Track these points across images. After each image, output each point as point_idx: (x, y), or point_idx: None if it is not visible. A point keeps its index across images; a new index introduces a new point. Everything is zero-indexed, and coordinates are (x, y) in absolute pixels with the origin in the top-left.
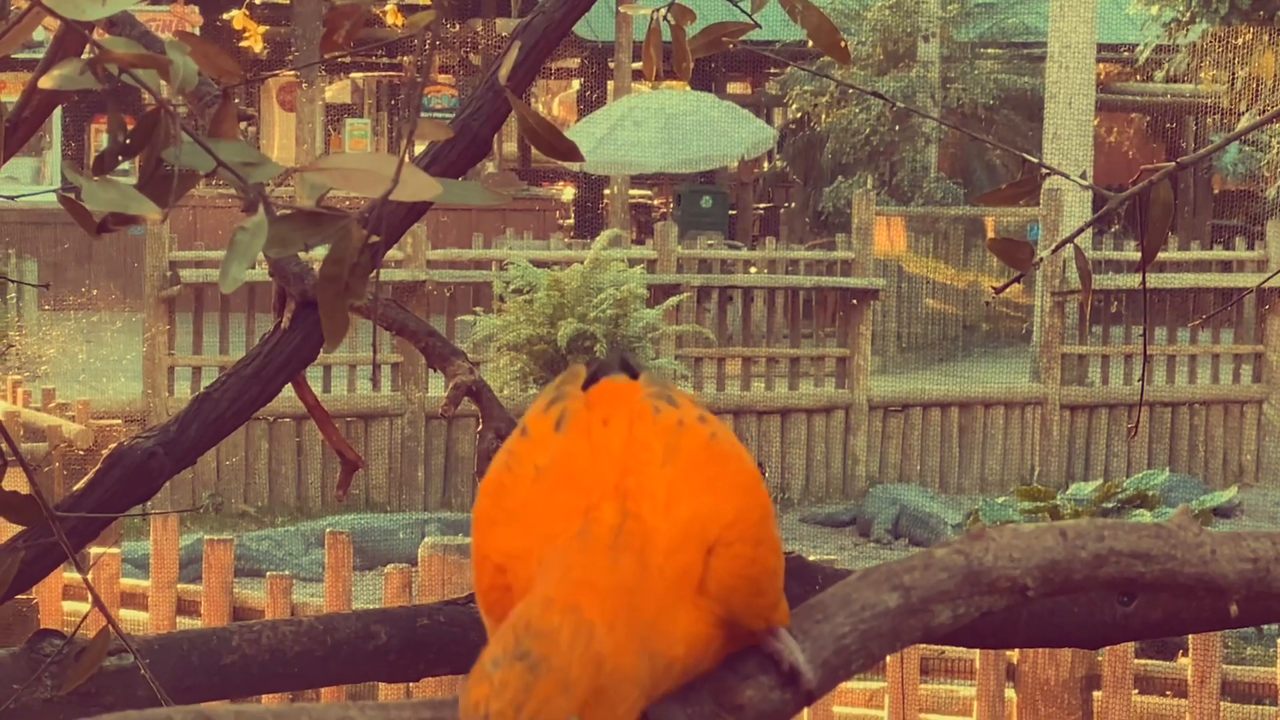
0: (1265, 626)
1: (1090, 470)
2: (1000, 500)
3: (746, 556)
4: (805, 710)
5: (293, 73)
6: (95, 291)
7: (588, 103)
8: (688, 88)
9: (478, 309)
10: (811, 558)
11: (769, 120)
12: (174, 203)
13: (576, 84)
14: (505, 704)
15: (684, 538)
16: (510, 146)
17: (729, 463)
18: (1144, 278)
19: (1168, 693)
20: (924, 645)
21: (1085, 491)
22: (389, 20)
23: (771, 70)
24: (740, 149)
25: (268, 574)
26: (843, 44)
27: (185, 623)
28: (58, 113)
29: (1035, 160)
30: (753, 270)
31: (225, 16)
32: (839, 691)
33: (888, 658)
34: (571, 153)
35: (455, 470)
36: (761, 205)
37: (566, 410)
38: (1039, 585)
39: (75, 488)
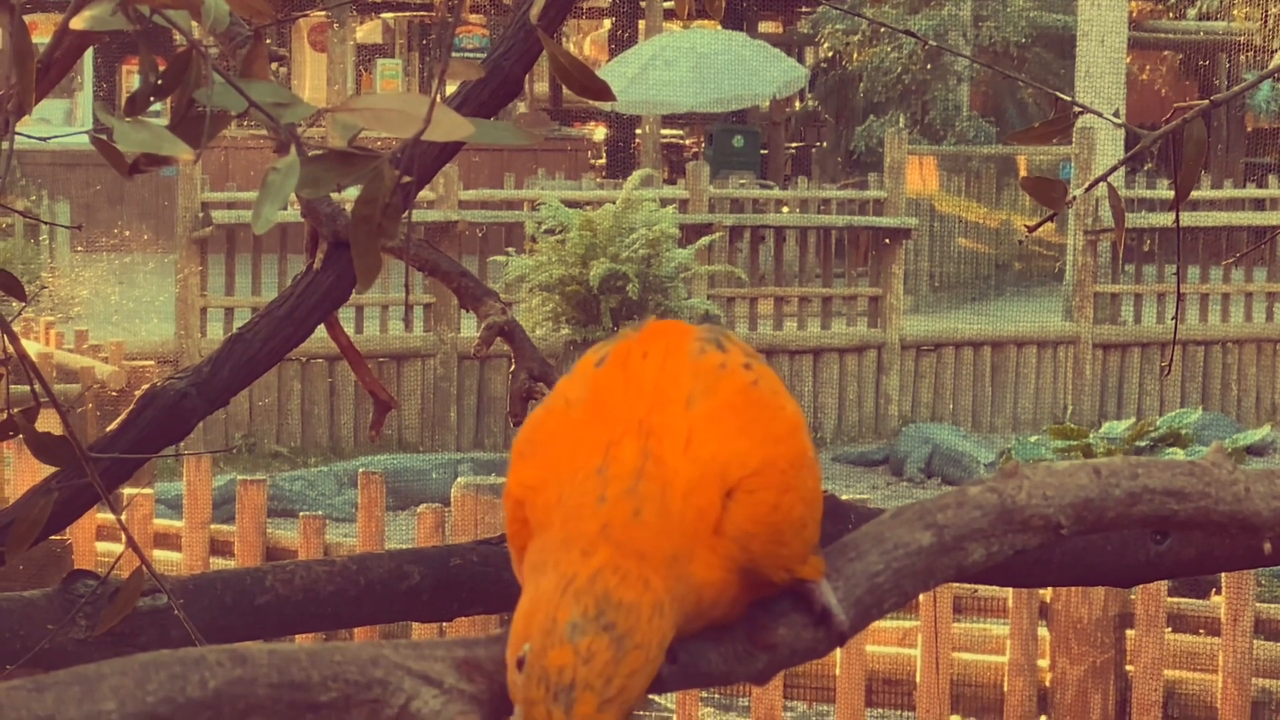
0: None
1: (1123, 409)
2: (1033, 439)
3: (769, 504)
4: (838, 649)
5: (324, 13)
6: (128, 233)
7: (619, 42)
8: (719, 27)
9: (510, 249)
10: (844, 497)
11: (800, 59)
12: (206, 144)
13: (608, 23)
14: (594, 675)
15: (701, 479)
16: (542, 86)
17: (765, 410)
18: (1177, 216)
19: (1201, 631)
20: (957, 584)
21: (1118, 430)
22: None
23: (803, 9)
24: (772, 88)
25: (301, 514)
26: None
27: (219, 563)
28: (89, 54)
29: (1068, 98)
30: (785, 210)
31: None
32: (871, 630)
33: (920, 596)
34: (603, 92)
35: (488, 410)
36: (793, 145)
37: (612, 347)
38: (1072, 523)
39: (108, 429)
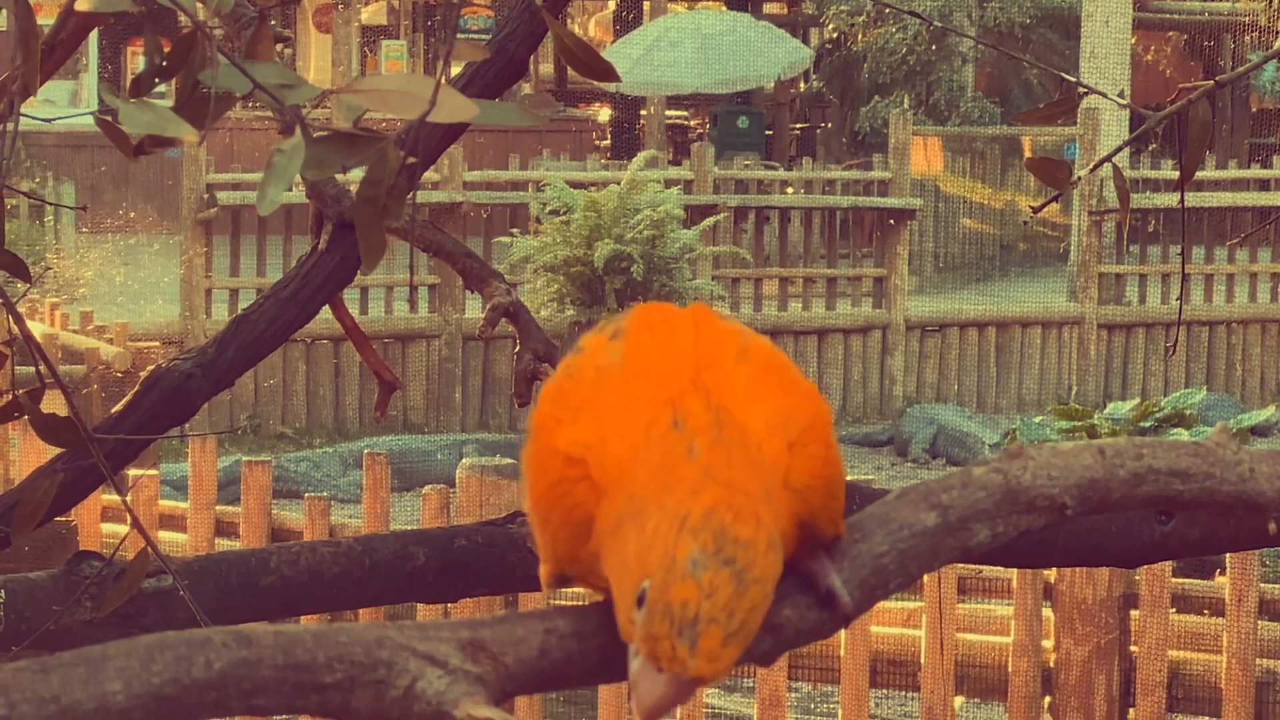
0: None
1: (1127, 389)
2: (1038, 420)
3: (821, 458)
4: (843, 630)
5: None
6: (132, 214)
7: (624, 23)
8: (724, 7)
9: (514, 230)
10: (849, 477)
11: (805, 40)
12: (211, 125)
13: (613, 4)
14: (718, 609)
15: (768, 432)
16: (546, 68)
17: (794, 371)
18: (1182, 196)
19: (1205, 611)
20: (961, 565)
21: (1123, 411)
22: None
23: None
24: (777, 69)
25: (306, 495)
26: None
27: (224, 544)
28: (94, 35)
29: (1073, 79)
30: (789, 190)
31: None
32: (876, 611)
33: (925, 577)
34: (608, 73)
35: (492, 391)
36: (798, 125)
37: (622, 324)
38: (1077, 504)
39: (113, 410)
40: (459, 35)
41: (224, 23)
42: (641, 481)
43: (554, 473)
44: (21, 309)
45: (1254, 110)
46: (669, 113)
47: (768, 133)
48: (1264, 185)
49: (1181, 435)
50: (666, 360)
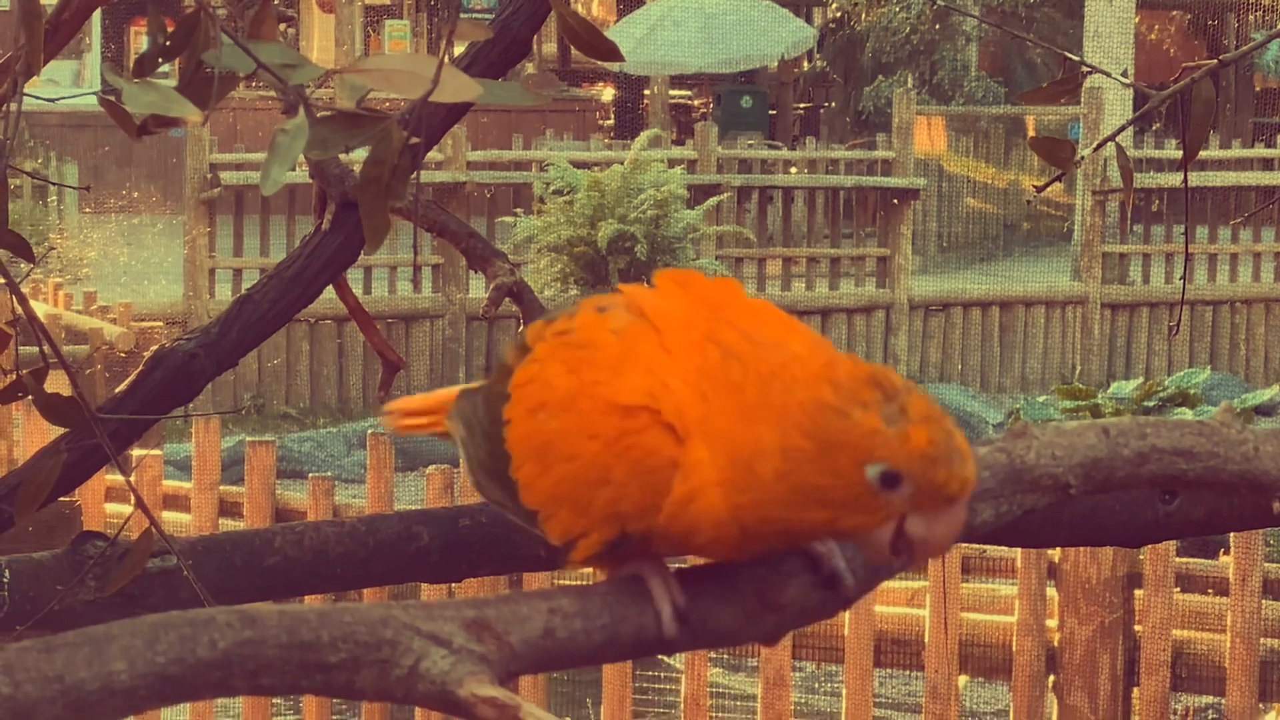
0: None
1: (1131, 369)
2: (1041, 399)
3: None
4: (847, 610)
5: None
6: (136, 194)
7: (627, 2)
8: None
9: (518, 210)
10: None
11: (809, 19)
12: (214, 105)
13: None
14: (947, 423)
15: (809, 351)
16: (550, 47)
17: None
18: (1185, 175)
19: (1209, 591)
20: (966, 544)
21: (1126, 390)
22: None
23: None
24: (780, 48)
25: (310, 475)
26: None
27: (228, 524)
28: (97, 15)
29: (1076, 58)
30: (793, 170)
31: None
32: (880, 591)
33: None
34: (611, 53)
35: None
36: (801, 105)
37: (604, 301)
38: (1081, 483)
39: (117, 390)
40: (462, 14)
41: (227, 2)
42: (748, 408)
43: (610, 430)
44: (25, 289)
45: (1258, 89)
46: (672, 92)
47: (771, 112)
48: (1267, 164)
49: (1185, 415)
50: (681, 309)
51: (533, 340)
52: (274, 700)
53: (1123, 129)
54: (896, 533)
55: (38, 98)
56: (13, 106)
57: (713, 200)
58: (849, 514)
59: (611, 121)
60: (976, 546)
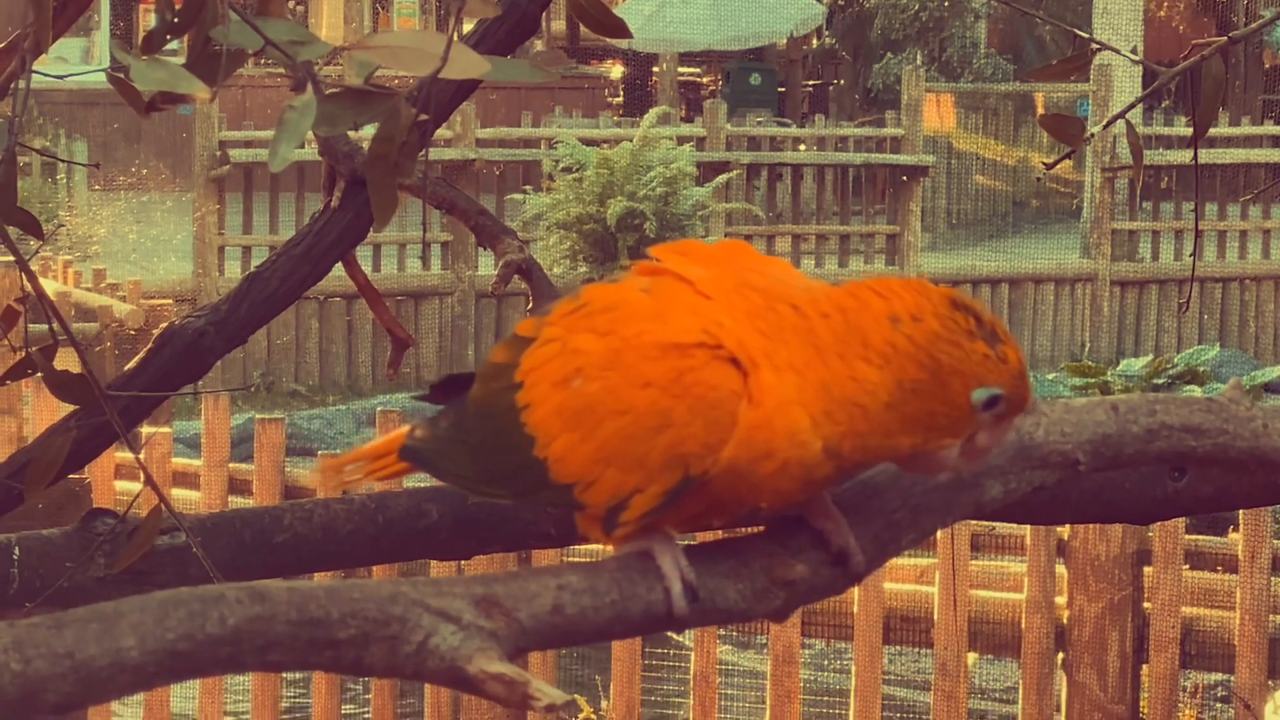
0: None
1: (1140, 346)
2: (1050, 376)
3: None
4: (856, 586)
5: None
6: (145, 171)
7: None
8: None
9: (527, 187)
10: None
11: None
12: (222, 82)
13: None
14: (1020, 353)
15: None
16: (559, 24)
17: None
18: (1195, 153)
19: (1218, 568)
20: (974, 521)
21: (1136, 367)
22: None
23: None
24: (789, 25)
25: (319, 453)
26: None
27: (237, 501)
28: None
29: (1085, 35)
30: (802, 148)
31: None
32: (889, 568)
33: (938, 534)
34: (620, 30)
35: None
36: (811, 82)
37: (615, 275)
38: (1090, 460)
39: (127, 367)
40: None
41: None
42: (817, 348)
43: (665, 373)
44: (34, 266)
45: (1267, 66)
46: (681, 69)
47: (780, 89)
48: (1277, 141)
49: (1195, 392)
50: (704, 267)
51: (530, 333)
52: (283, 677)
53: (1132, 106)
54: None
55: (46, 75)
56: (21, 84)
57: (722, 177)
58: (944, 435)
59: (620, 99)
60: (985, 524)
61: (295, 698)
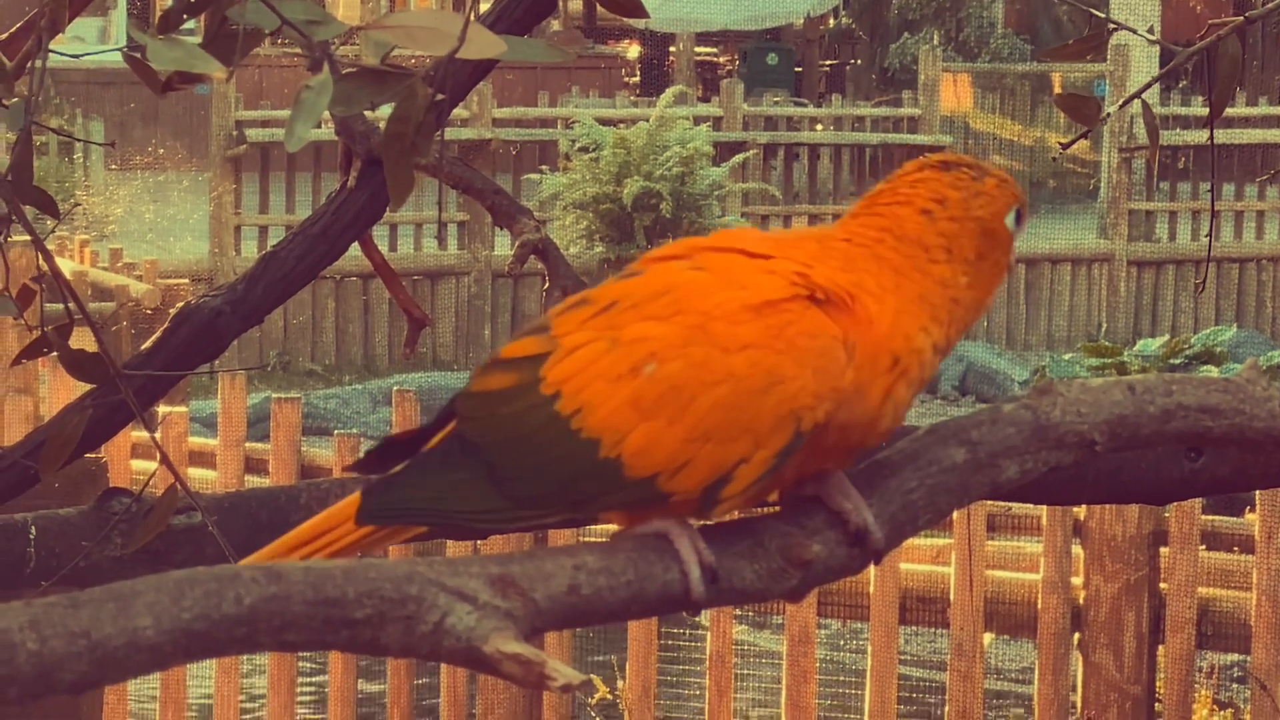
0: None
1: (1157, 326)
2: (1067, 357)
3: None
4: (872, 566)
5: None
6: (161, 151)
7: None
8: None
9: (543, 167)
10: None
11: None
12: (239, 61)
13: None
14: (997, 168)
15: None
16: (575, 4)
17: None
18: (1211, 133)
19: (1235, 548)
20: (991, 502)
21: (1152, 347)
22: None
23: None
24: (806, 5)
25: (335, 432)
26: None
27: (253, 481)
28: None
29: (1102, 15)
30: (819, 127)
31: None
32: (906, 548)
33: (955, 514)
34: (636, 9)
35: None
36: (827, 62)
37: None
38: (1107, 440)
39: (143, 347)
40: None
41: None
42: (891, 267)
43: (763, 331)
44: (51, 246)
45: None
46: (698, 49)
47: (797, 69)
48: None
49: (1211, 372)
50: (723, 244)
51: (528, 351)
52: (300, 656)
53: (1148, 86)
54: None
55: (63, 54)
56: (38, 63)
57: (738, 157)
58: (1005, 267)
59: (637, 78)
60: (1002, 504)
61: (311, 673)
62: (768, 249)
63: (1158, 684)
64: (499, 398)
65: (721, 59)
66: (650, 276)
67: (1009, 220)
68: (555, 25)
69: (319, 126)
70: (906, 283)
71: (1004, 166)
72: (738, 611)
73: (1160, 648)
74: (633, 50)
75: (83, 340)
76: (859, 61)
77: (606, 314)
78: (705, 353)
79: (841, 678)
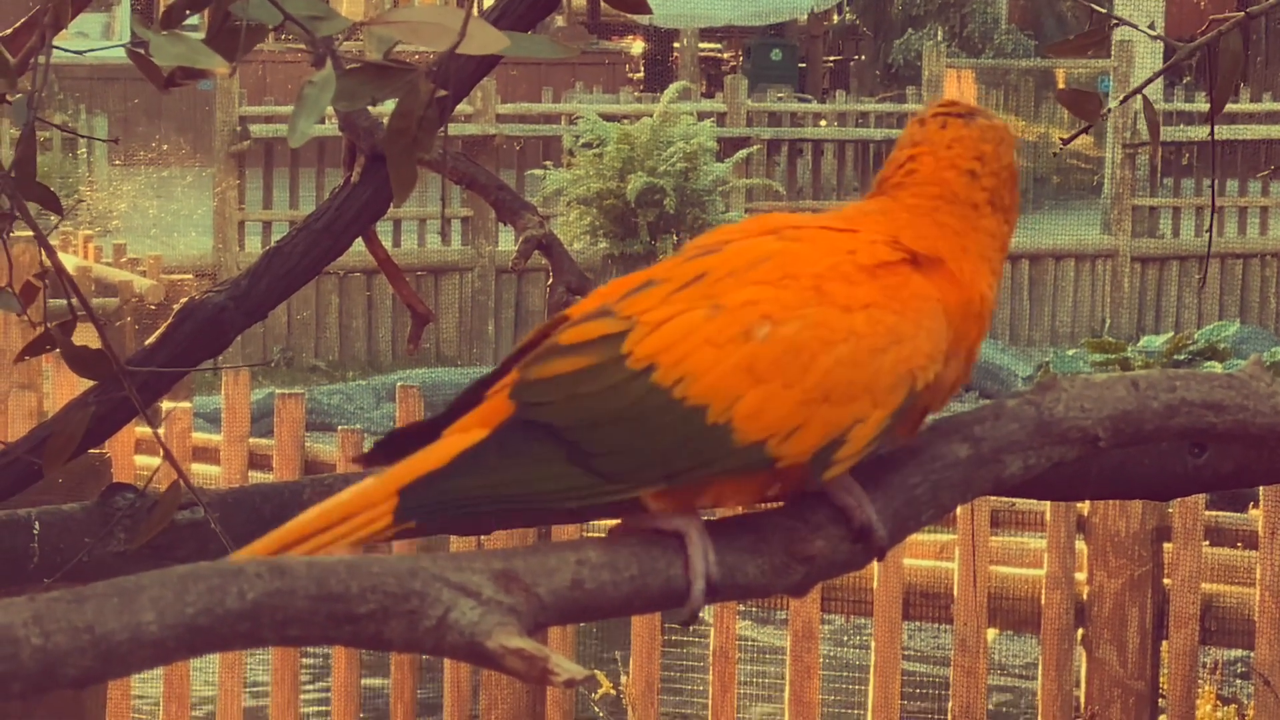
0: None
1: (1161, 322)
2: (1071, 352)
3: None
4: (876, 562)
5: None
6: (165, 146)
7: None
8: None
9: (547, 163)
10: None
11: None
12: (242, 57)
13: None
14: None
15: None
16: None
17: None
18: (1212, 128)
19: (1238, 544)
20: (994, 497)
21: (1156, 343)
22: None
23: None
24: (810, 1)
25: (339, 428)
26: None
27: (257, 476)
28: None
29: (1105, 11)
30: (822, 123)
31: None
32: (908, 543)
33: (958, 510)
34: (640, 5)
35: (525, 324)
36: (831, 58)
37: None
38: (1110, 436)
39: (146, 342)
40: None
41: None
42: (949, 228)
43: (882, 291)
44: (54, 241)
45: None
46: (702, 45)
47: (801, 65)
48: None
49: (1215, 368)
50: (802, 219)
51: (594, 334)
52: (303, 651)
53: (1149, 81)
54: None
55: (66, 50)
56: (42, 59)
57: (742, 153)
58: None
59: (641, 74)
60: (1005, 500)
61: (314, 666)
62: (841, 224)
63: (1161, 679)
64: (576, 379)
65: (725, 55)
66: (739, 249)
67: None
68: (559, 21)
69: (322, 122)
70: (968, 243)
71: None
72: (741, 607)
73: (1164, 643)
74: (636, 46)
75: (86, 336)
76: (863, 57)
77: (696, 286)
78: (824, 312)
79: (845, 673)
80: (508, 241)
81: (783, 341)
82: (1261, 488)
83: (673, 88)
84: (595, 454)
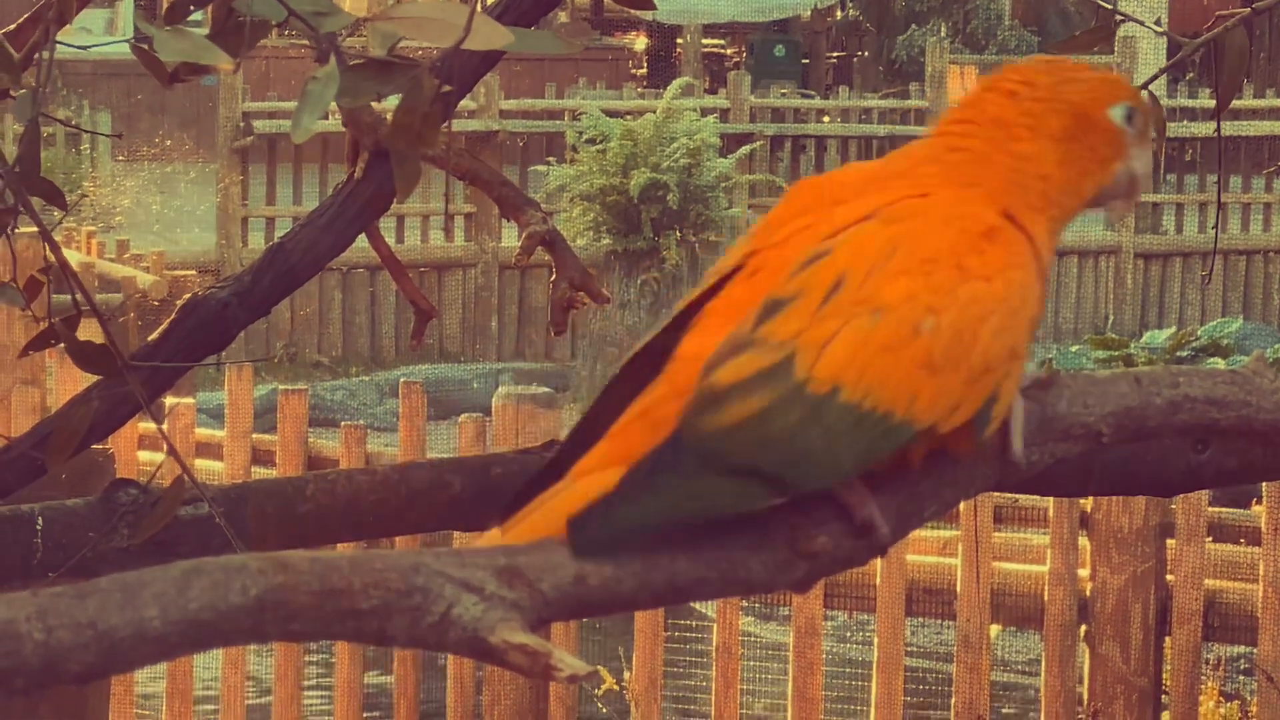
0: None
1: (1164, 318)
2: (1074, 349)
3: None
4: (878, 558)
5: None
6: (169, 142)
7: None
8: None
9: (550, 159)
10: None
11: None
12: (245, 52)
13: None
14: (1115, 72)
15: None
16: None
17: None
18: (1218, 124)
19: (1241, 540)
20: (997, 494)
21: (1159, 340)
22: None
23: None
24: None
25: (342, 424)
26: None
27: (260, 472)
28: None
29: (1109, 7)
30: (826, 119)
31: None
32: (912, 540)
33: (961, 506)
34: (643, 1)
35: (528, 320)
36: (835, 54)
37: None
38: (1113, 432)
39: (150, 338)
40: None
41: None
42: (1002, 178)
43: (1002, 253)
44: (58, 237)
45: None
46: (705, 41)
47: (804, 61)
48: None
49: (1219, 364)
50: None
51: (758, 367)
52: (307, 647)
53: (1154, 78)
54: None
55: (70, 45)
56: (45, 55)
57: (745, 149)
58: (1110, 160)
59: (644, 70)
60: (1008, 496)
61: (318, 663)
62: (913, 188)
63: (1164, 676)
64: (763, 421)
65: (729, 51)
66: (858, 242)
67: (1115, 114)
68: (562, 17)
69: (326, 118)
70: (1023, 189)
71: None
72: (744, 603)
73: (1167, 639)
74: (640, 42)
75: (90, 332)
76: (866, 54)
77: (842, 294)
78: (973, 288)
79: (848, 669)
80: (511, 237)
81: (949, 329)
82: (1264, 484)
83: (676, 84)
84: (782, 473)
